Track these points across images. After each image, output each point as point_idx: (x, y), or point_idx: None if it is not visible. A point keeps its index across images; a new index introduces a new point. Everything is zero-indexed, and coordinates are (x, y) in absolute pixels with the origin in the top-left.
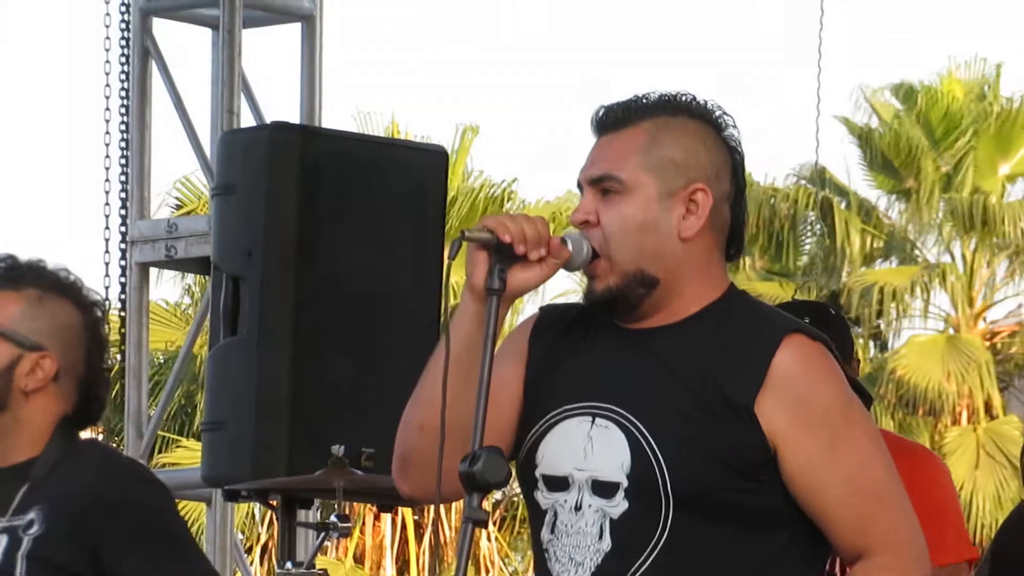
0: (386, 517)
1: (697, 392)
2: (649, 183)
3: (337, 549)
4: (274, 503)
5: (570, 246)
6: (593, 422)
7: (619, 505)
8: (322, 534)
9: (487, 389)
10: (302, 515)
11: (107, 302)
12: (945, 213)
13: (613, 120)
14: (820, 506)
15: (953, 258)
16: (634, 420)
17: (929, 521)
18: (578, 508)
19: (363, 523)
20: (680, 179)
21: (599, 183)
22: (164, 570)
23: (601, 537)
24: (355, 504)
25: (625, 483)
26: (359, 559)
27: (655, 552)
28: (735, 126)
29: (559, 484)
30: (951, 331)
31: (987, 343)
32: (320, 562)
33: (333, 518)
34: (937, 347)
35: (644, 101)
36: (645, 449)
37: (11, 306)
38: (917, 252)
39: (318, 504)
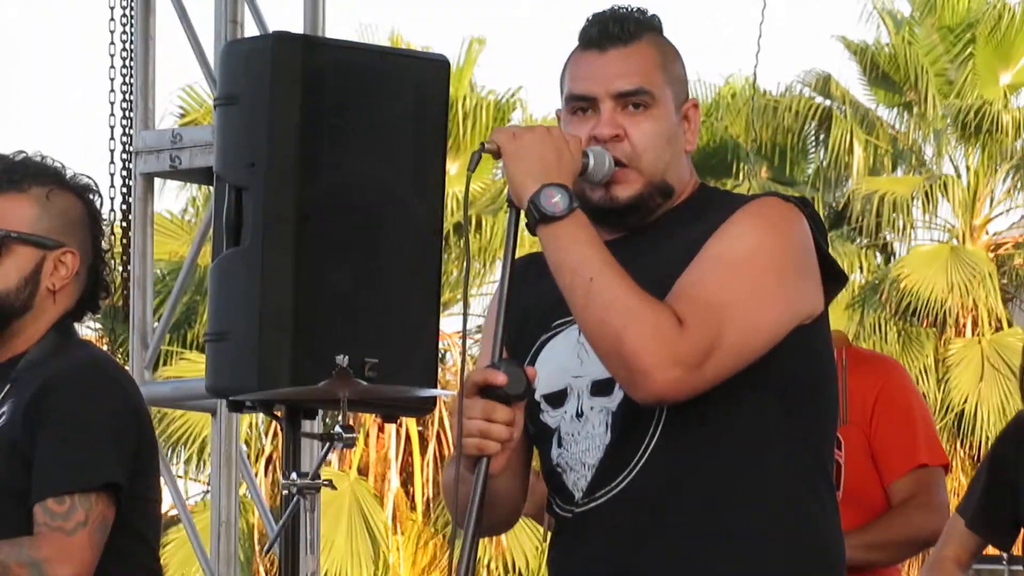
0: (390, 429)
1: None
2: (669, 98)
3: (341, 461)
4: (279, 413)
5: (591, 159)
6: (580, 330)
7: (616, 397)
8: (327, 445)
9: (505, 301)
10: (307, 426)
11: (112, 212)
12: (948, 122)
13: (627, 33)
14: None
15: (957, 169)
16: None
17: (898, 427)
18: (580, 415)
19: (367, 435)
20: (682, 94)
21: (630, 97)
22: (59, 453)
23: (607, 433)
24: (359, 415)
25: None
26: (363, 471)
27: (656, 435)
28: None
29: (558, 399)
30: (955, 242)
31: (991, 255)
32: (325, 474)
33: (337, 428)
34: (940, 257)
35: (636, 16)
36: None
37: (25, 208)
38: (921, 162)
39: (323, 415)
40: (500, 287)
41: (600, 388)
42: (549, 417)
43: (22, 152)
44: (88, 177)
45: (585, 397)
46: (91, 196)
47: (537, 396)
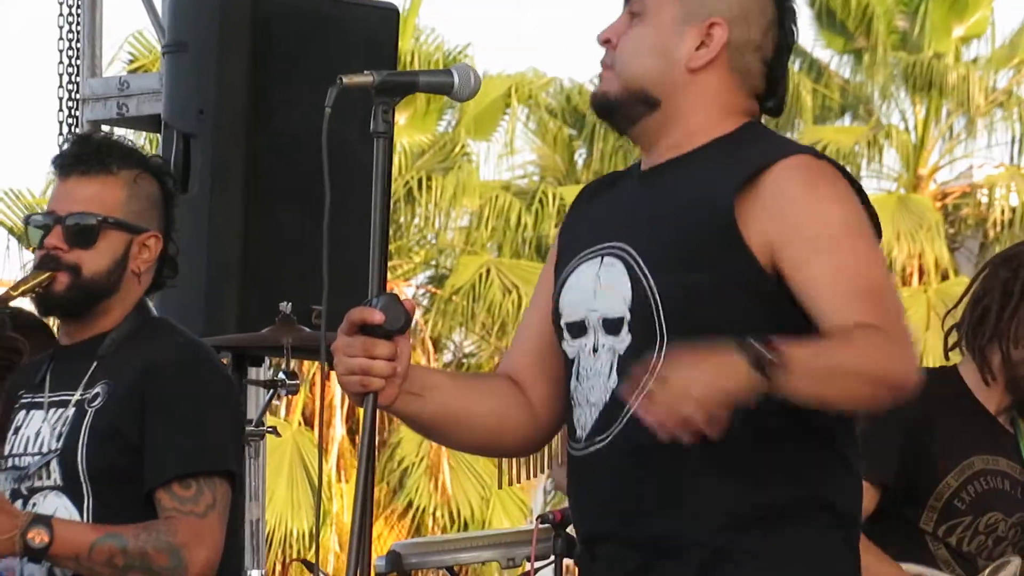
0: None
1: (695, 218)
2: (669, 8)
3: (288, 411)
4: (225, 360)
5: (456, 76)
6: (601, 262)
7: (624, 340)
8: (271, 391)
9: (382, 235)
10: (253, 373)
11: None
12: (899, 74)
13: None
14: (806, 282)
15: (905, 119)
16: (633, 253)
17: None
18: (595, 350)
19: (312, 384)
20: (701, 10)
21: (628, 3)
22: (178, 437)
23: (611, 375)
24: (305, 364)
25: (628, 317)
26: (309, 421)
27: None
28: None
29: (578, 329)
30: (902, 191)
31: (938, 204)
32: (270, 423)
33: (281, 375)
34: (887, 207)
35: None
36: (642, 281)
37: (115, 192)
38: (869, 111)
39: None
40: (373, 217)
41: (610, 326)
42: (569, 346)
43: (100, 133)
44: (160, 158)
45: (600, 333)
46: (167, 178)
47: (561, 323)
